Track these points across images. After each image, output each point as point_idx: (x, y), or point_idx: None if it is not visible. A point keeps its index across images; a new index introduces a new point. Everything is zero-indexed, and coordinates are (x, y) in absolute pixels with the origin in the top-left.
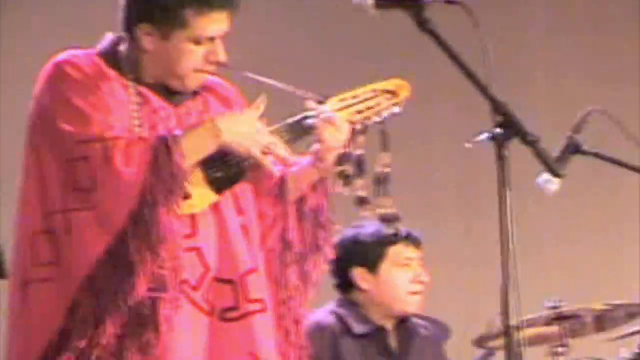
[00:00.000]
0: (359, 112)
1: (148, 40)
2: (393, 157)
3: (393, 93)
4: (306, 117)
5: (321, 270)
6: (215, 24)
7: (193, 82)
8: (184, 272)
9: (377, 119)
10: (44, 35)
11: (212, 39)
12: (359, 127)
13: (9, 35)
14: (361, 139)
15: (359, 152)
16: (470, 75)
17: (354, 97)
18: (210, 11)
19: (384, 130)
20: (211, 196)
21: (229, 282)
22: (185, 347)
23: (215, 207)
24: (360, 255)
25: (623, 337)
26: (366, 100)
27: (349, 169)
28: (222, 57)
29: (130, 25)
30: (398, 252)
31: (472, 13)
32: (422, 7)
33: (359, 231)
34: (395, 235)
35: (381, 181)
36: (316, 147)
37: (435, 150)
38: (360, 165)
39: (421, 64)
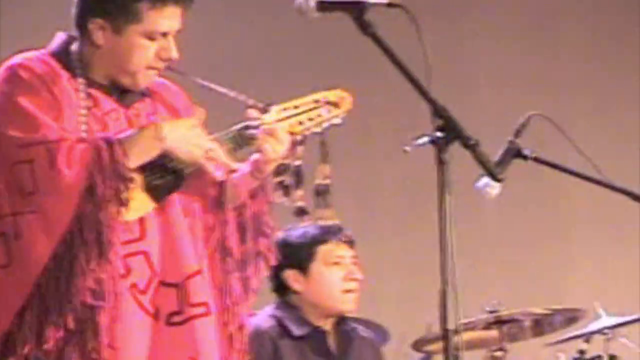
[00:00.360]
0: (300, 122)
1: (100, 35)
2: (333, 161)
3: (335, 104)
4: (247, 127)
5: (262, 276)
6: (169, 18)
7: (144, 79)
8: (120, 279)
9: (318, 130)
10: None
11: (164, 35)
12: (298, 137)
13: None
14: (300, 149)
15: (297, 162)
16: (410, 79)
17: (296, 107)
18: (163, 5)
19: (324, 141)
20: (149, 203)
21: (173, 285)
22: (133, 351)
23: (163, 210)
24: (290, 257)
25: (561, 341)
26: (308, 110)
27: (287, 179)
28: (174, 53)
29: (83, 20)
30: (328, 250)
31: (414, 17)
32: (364, 10)
33: (287, 233)
34: (325, 233)
35: (321, 192)
36: (255, 156)
37: (376, 153)
38: (298, 175)
39: (362, 66)
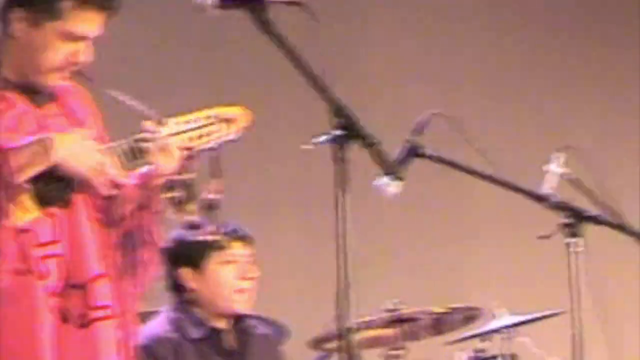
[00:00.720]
0: (194, 137)
1: (19, 27)
2: (232, 161)
3: (231, 120)
4: (141, 139)
5: (147, 284)
6: (90, 22)
7: (53, 79)
8: (39, 280)
9: (211, 146)
10: None
11: (82, 38)
12: (191, 152)
13: None
14: (192, 164)
15: (189, 176)
16: (310, 77)
17: (192, 122)
18: (87, 8)
19: (216, 157)
20: (34, 210)
21: (78, 287)
22: (45, 355)
23: (70, 213)
24: (184, 255)
25: (460, 340)
26: (203, 126)
27: (179, 194)
28: (86, 57)
29: (6, 10)
30: (222, 249)
31: (313, 14)
32: (264, 7)
33: (182, 232)
34: (217, 233)
35: (210, 207)
36: (145, 169)
37: (275, 151)
38: (190, 190)
39: (260, 64)
